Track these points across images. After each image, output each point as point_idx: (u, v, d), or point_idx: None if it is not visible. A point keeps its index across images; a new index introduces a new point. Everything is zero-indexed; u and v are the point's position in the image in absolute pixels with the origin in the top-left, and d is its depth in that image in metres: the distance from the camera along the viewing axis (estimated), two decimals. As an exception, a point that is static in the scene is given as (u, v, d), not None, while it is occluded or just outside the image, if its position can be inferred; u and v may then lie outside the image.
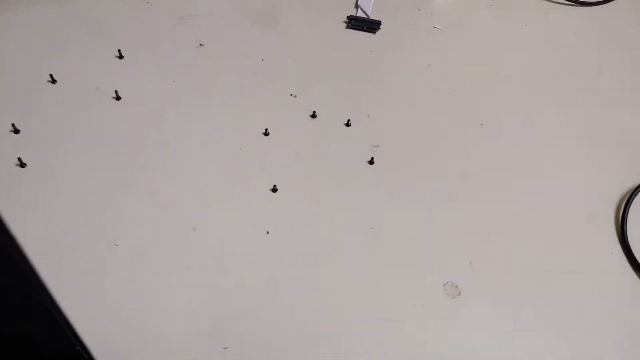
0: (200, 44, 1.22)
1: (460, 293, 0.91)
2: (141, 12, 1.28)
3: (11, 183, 1.00)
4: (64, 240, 0.94)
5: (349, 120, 1.10)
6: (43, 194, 0.99)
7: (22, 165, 1.02)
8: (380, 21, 1.28)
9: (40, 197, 0.99)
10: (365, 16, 1.29)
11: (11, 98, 1.11)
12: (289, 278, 0.92)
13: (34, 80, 1.14)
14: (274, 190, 1.00)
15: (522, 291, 0.93)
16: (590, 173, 1.08)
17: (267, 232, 0.96)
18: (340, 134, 1.09)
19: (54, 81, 1.14)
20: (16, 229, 0.92)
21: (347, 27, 1.27)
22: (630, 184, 1.05)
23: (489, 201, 1.02)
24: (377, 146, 1.07)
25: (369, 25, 1.27)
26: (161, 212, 0.97)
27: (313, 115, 1.11)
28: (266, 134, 1.08)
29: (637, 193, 1.02)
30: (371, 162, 1.04)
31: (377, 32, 1.27)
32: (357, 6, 1.31)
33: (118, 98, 1.12)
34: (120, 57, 1.19)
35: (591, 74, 1.23)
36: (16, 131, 1.06)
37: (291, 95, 1.14)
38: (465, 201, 1.02)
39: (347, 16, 1.28)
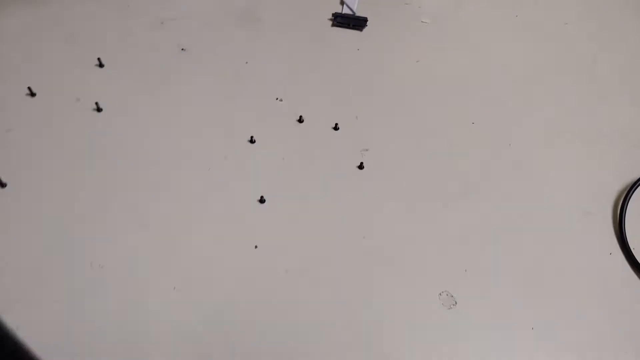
0: (183, 49, 1.19)
1: (456, 303, 0.89)
2: (120, 17, 1.25)
3: (-9, 204, 0.97)
4: (47, 262, 0.91)
5: (337, 123, 1.07)
6: (24, 214, 0.96)
7: (2, 184, 0.99)
8: (366, 18, 1.24)
9: (21, 217, 0.96)
10: (351, 13, 1.25)
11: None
12: (279, 294, 0.90)
13: (12, 93, 1.11)
14: (262, 201, 0.98)
15: (520, 298, 0.91)
16: (586, 169, 1.05)
17: (256, 247, 0.93)
18: (328, 139, 1.06)
19: (32, 94, 1.11)
20: (-2, 252, 0.90)
21: (333, 24, 1.24)
22: (628, 179, 1.03)
23: (483, 204, 1.00)
24: (367, 150, 1.04)
25: (355, 23, 1.24)
26: (146, 229, 0.95)
27: (300, 120, 1.08)
28: (252, 141, 1.05)
29: (635, 189, 0.99)
30: (361, 167, 1.02)
31: (364, 29, 1.23)
32: (342, 2, 1.27)
33: (99, 109, 1.09)
34: (101, 65, 1.16)
35: (585, 64, 1.20)
36: (-5, 150, 1.04)
37: (277, 99, 1.11)
38: (458, 205, 0.99)
39: (332, 13, 1.25)
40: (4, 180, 0.99)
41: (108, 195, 0.98)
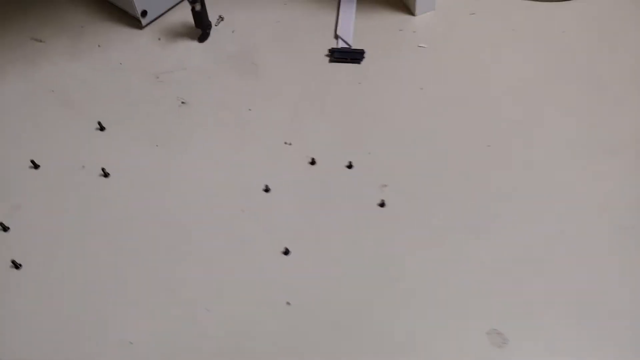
0: (183, 102, 1.17)
1: (506, 341, 0.85)
2: (115, 76, 1.23)
3: (7, 287, 0.94)
4: (73, 344, 0.88)
5: (350, 162, 1.05)
6: (43, 295, 0.93)
7: (17, 266, 0.96)
8: (363, 50, 1.22)
9: (40, 299, 0.93)
10: (347, 46, 1.23)
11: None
12: (320, 355, 0.86)
13: (16, 167, 1.09)
14: (286, 252, 0.95)
15: (574, 328, 0.86)
16: (614, 180, 1.01)
17: (288, 303, 0.90)
18: (344, 179, 1.04)
19: (36, 166, 1.09)
20: (19, 337, 0.87)
21: (331, 60, 1.22)
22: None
23: (515, 230, 0.96)
24: (385, 185, 1.02)
25: (352, 56, 1.22)
26: (171, 297, 0.92)
27: (312, 162, 1.06)
28: (267, 190, 1.03)
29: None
30: (382, 204, 0.99)
31: (363, 62, 1.21)
32: (336, 37, 1.25)
33: (106, 175, 1.06)
34: (101, 129, 1.14)
35: (591, 70, 1.18)
36: (5, 228, 1.01)
37: (286, 143, 1.09)
38: (490, 233, 0.96)
39: (329, 49, 1.23)
40: (18, 261, 0.96)
41: (128, 266, 0.95)
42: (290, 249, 0.95)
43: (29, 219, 1.02)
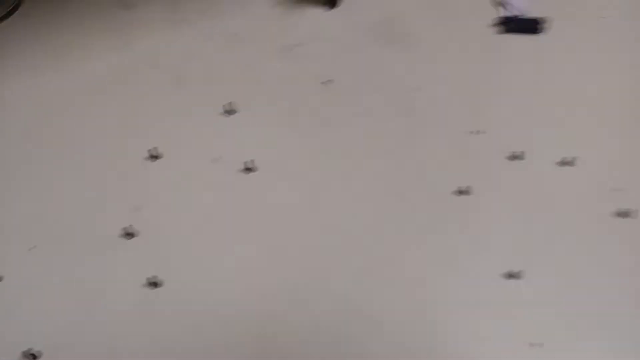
0: (328, 80, 0.94)
1: None
2: (231, 49, 1.01)
3: (149, 310, 0.74)
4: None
5: (564, 157, 0.83)
6: (193, 318, 0.74)
7: (155, 284, 0.74)
8: (541, 18, 1.00)
9: (191, 323, 0.74)
10: (518, 14, 1.01)
11: (108, 190, 0.84)
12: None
13: (129, 160, 0.88)
14: (512, 276, 0.73)
15: None
16: None
17: (532, 345, 0.68)
18: (562, 179, 0.82)
19: (154, 157, 0.86)
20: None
21: (502, 31, 0.99)
22: None
23: None
24: (620, 190, 0.80)
25: (528, 25, 1.00)
26: (371, 327, 0.70)
27: (513, 157, 0.83)
28: (463, 192, 0.80)
29: None
30: (623, 214, 0.77)
31: (540, 33, 0.99)
32: (500, 3, 1.02)
33: (249, 169, 0.84)
34: (230, 112, 0.91)
35: None
36: (129, 235, 0.78)
37: (473, 132, 0.87)
38: None
39: (501, 17, 1.00)
40: (152, 275, 0.74)
41: (289, 275, 0.77)
42: (516, 272, 0.73)
43: (154, 223, 0.81)
